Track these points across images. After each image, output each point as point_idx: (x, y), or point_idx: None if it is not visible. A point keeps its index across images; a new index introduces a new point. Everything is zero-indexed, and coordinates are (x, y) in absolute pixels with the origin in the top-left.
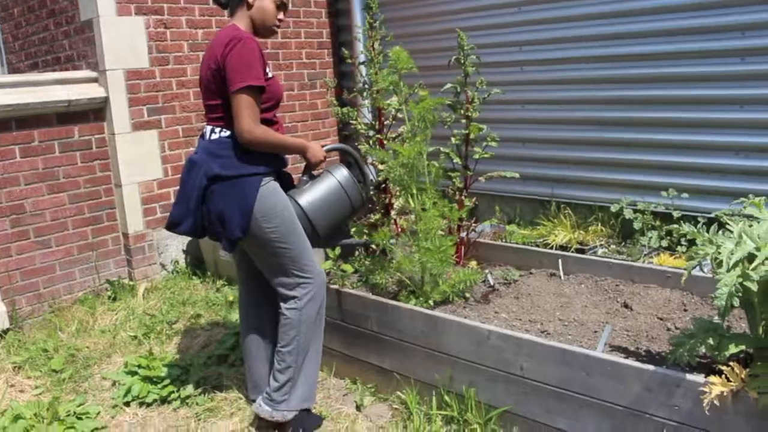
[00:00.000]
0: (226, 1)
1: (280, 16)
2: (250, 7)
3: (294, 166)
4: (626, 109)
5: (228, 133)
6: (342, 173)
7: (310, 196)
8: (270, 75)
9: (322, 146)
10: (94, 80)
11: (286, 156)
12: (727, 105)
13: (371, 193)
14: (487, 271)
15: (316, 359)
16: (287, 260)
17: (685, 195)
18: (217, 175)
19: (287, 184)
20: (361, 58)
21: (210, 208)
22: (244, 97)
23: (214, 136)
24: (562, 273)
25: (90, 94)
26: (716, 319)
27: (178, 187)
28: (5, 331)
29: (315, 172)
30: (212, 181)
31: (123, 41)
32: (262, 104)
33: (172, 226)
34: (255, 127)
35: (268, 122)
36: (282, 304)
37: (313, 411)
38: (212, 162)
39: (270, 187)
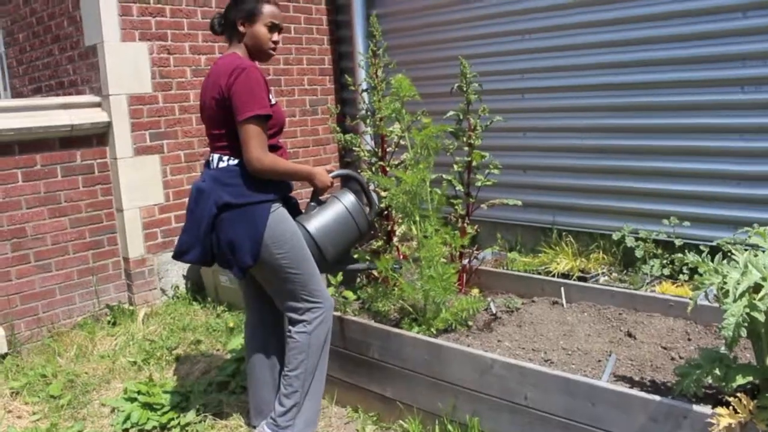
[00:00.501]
0: (221, 31)
1: (275, 38)
2: (242, 36)
3: (297, 191)
4: (628, 137)
5: (236, 161)
6: (349, 199)
7: (318, 221)
8: (273, 101)
9: (328, 172)
10: (98, 105)
11: (291, 183)
12: (727, 133)
13: (375, 219)
14: (489, 298)
15: (321, 385)
16: (297, 286)
17: (686, 223)
18: (227, 203)
19: (293, 209)
20: (364, 85)
21: (220, 236)
22: (252, 126)
23: (222, 165)
24: (564, 301)
25: (93, 118)
26: (722, 349)
27: (180, 212)
28: (3, 356)
29: (322, 198)
30: (222, 209)
31: (127, 67)
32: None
33: (180, 254)
34: (264, 155)
35: (273, 148)
36: (291, 328)
37: None
38: (221, 190)
39: (279, 213)
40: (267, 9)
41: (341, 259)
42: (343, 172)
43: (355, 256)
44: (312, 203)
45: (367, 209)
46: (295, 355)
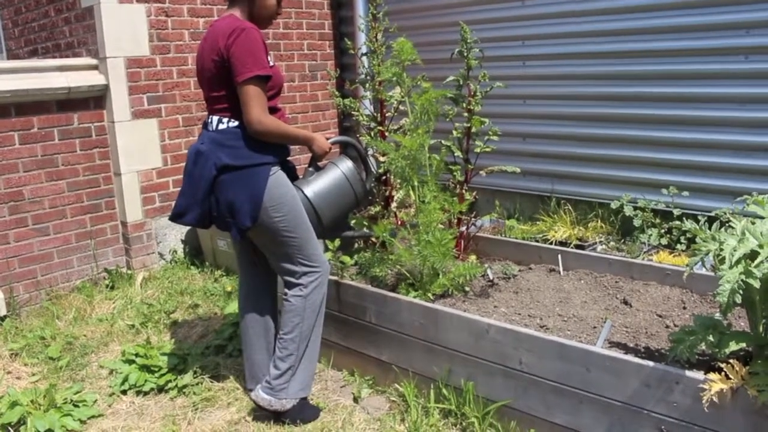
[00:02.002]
0: None
1: (279, 7)
2: (254, 0)
3: (295, 156)
4: (628, 106)
5: (236, 123)
6: (347, 165)
7: (316, 186)
8: (272, 63)
9: (327, 138)
10: (95, 67)
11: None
12: (729, 103)
13: (373, 185)
14: (486, 265)
15: (315, 349)
16: (294, 249)
17: (685, 193)
18: (227, 165)
19: (290, 173)
20: (364, 49)
21: (219, 198)
22: (252, 87)
23: (222, 126)
24: (561, 269)
25: (90, 81)
26: (717, 316)
27: (178, 177)
28: (2, 318)
29: (320, 164)
30: (221, 171)
31: (124, 29)
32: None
33: (178, 216)
34: (265, 116)
35: (271, 110)
36: (287, 291)
37: (311, 402)
38: (221, 152)
39: (278, 176)
40: None
41: (338, 224)
42: (341, 139)
43: (353, 221)
44: (310, 168)
45: (365, 176)
46: (291, 318)
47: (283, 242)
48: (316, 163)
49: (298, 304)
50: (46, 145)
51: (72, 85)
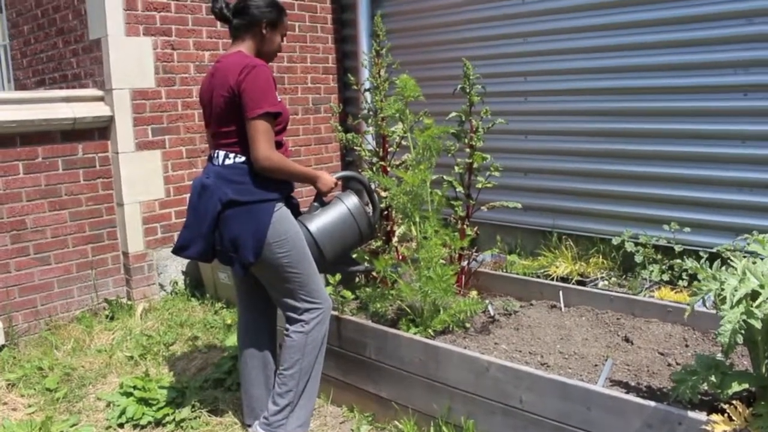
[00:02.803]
0: (238, 25)
1: (282, 44)
2: (259, 38)
3: (297, 190)
4: (629, 142)
5: (243, 158)
6: (352, 201)
7: (320, 222)
8: (279, 99)
9: (332, 173)
10: (100, 99)
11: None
12: (729, 140)
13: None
14: (487, 301)
15: (315, 385)
16: (296, 285)
17: (687, 229)
18: (232, 201)
19: (293, 209)
20: (367, 84)
21: (223, 233)
22: (261, 123)
23: (228, 162)
24: (562, 305)
25: (95, 112)
26: (719, 355)
27: (181, 208)
28: (0, 348)
29: (325, 199)
30: (227, 206)
31: (130, 61)
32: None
33: (181, 249)
34: (273, 153)
35: (277, 144)
36: (288, 326)
37: None
38: (226, 187)
39: (282, 213)
40: (286, 20)
41: (341, 260)
42: (347, 174)
43: (354, 255)
44: (315, 203)
45: (371, 211)
46: (292, 354)
47: (286, 278)
48: (322, 199)
49: (299, 341)
50: (50, 175)
51: (77, 116)
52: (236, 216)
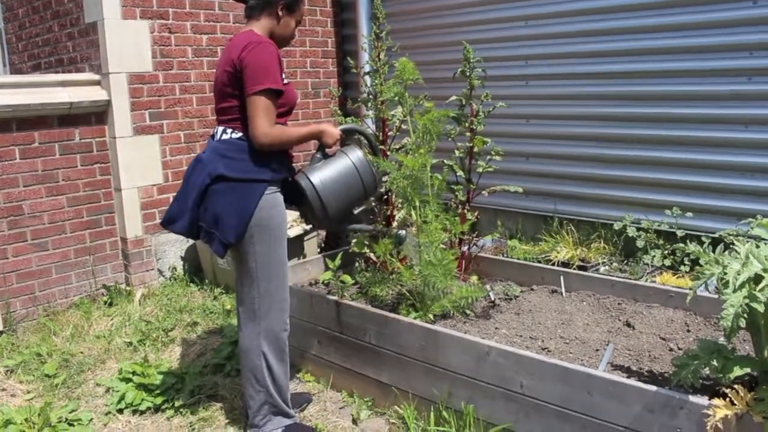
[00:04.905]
0: (253, 5)
1: (296, 31)
2: (275, 19)
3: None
4: (632, 127)
5: (240, 134)
6: (357, 155)
7: (323, 174)
8: (286, 81)
9: (336, 125)
10: (97, 83)
11: (293, 165)
12: (733, 124)
13: (382, 180)
14: (488, 286)
15: (284, 373)
16: (254, 282)
17: (689, 214)
18: (221, 176)
19: (291, 194)
20: (366, 68)
21: (207, 207)
22: (261, 99)
23: (225, 137)
24: (563, 290)
25: (92, 97)
26: (721, 340)
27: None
28: None
29: (329, 151)
30: (215, 180)
31: (127, 45)
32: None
33: (168, 222)
34: (270, 128)
35: None
36: (242, 328)
37: (308, 423)
38: (218, 162)
39: (273, 198)
40: (303, 7)
41: (344, 217)
42: (351, 127)
43: (354, 241)
44: (318, 155)
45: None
46: (252, 359)
47: (248, 270)
48: (324, 151)
49: (254, 341)
50: (46, 160)
51: (74, 101)
52: (223, 192)
